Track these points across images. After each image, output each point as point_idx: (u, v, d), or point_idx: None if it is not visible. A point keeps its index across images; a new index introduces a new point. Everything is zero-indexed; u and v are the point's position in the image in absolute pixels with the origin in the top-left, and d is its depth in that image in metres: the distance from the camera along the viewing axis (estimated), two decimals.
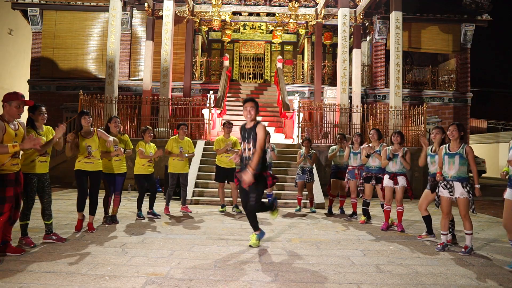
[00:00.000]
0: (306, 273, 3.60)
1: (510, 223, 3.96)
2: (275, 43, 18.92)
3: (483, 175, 21.23)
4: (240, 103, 14.85)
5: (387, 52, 13.65)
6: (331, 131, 11.85)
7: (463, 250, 4.45)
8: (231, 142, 7.09)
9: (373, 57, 15.41)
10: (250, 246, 4.49)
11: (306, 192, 7.76)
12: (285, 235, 5.28)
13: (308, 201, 7.74)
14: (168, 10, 12.43)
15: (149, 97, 12.70)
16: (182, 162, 6.72)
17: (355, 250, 4.51)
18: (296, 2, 14.70)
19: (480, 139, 23.77)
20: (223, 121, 7.67)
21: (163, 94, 12.17)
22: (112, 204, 5.69)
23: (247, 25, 19.23)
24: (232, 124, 7.37)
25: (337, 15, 13.39)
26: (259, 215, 6.82)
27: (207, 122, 11.38)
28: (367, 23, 15.49)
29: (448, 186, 4.48)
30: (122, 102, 11.79)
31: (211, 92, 12.30)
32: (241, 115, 13.71)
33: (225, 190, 7.41)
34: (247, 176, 4.13)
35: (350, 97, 13.30)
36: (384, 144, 6.11)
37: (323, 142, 11.72)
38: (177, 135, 6.83)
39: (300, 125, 11.19)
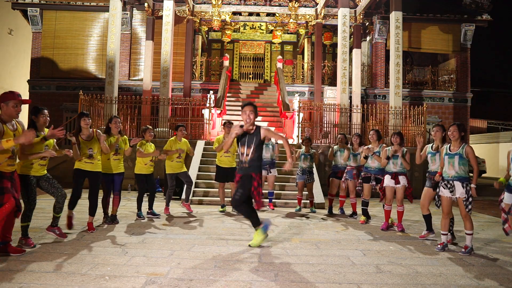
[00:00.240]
0: (306, 273, 3.60)
1: None
2: (275, 43, 18.92)
3: (483, 175, 21.23)
4: (240, 103, 14.84)
5: (387, 52, 13.65)
6: (331, 131, 11.85)
7: (463, 250, 4.45)
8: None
9: (373, 57, 15.41)
10: (250, 245, 4.44)
11: (306, 192, 7.77)
12: (285, 235, 5.28)
13: (308, 201, 7.74)
14: (168, 10, 12.43)
15: (149, 97, 12.70)
16: (179, 163, 6.73)
17: (355, 250, 4.51)
18: (296, 2, 14.71)
19: (480, 139, 23.77)
20: (223, 121, 7.68)
21: (163, 94, 12.17)
22: (111, 204, 5.69)
23: (247, 25, 19.23)
24: (232, 124, 7.36)
25: (337, 15, 13.39)
26: (259, 215, 6.83)
27: (207, 122, 11.38)
28: (367, 23, 15.49)
29: (449, 186, 4.48)
30: (122, 102, 11.80)
31: (211, 92, 12.31)
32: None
33: (225, 190, 7.41)
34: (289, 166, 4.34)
35: (350, 97, 13.31)
36: (384, 145, 6.11)
37: (323, 142, 11.72)
38: (175, 136, 6.84)
39: (300, 125, 11.20)
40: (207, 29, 17.57)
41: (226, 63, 15.66)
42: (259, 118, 13.45)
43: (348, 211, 7.25)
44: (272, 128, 12.78)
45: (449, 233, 4.87)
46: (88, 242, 4.49)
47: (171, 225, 5.72)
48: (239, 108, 4.46)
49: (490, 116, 27.12)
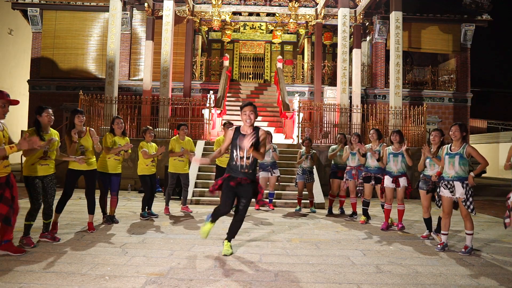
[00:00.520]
0: (306, 273, 3.60)
1: None
2: (275, 43, 18.92)
3: (483, 175, 21.22)
4: (240, 103, 14.83)
5: (387, 52, 13.65)
6: (331, 131, 11.86)
7: (463, 250, 4.45)
8: None
9: (373, 57, 15.41)
10: (225, 255, 4.08)
11: (306, 192, 7.77)
12: (285, 235, 5.28)
13: (308, 201, 7.74)
14: (168, 10, 12.43)
15: (149, 97, 12.70)
16: (183, 162, 6.72)
17: (355, 250, 4.51)
18: (296, 2, 14.71)
19: (480, 139, 23.74)
20: (223, 121, 7.67)
21: (163, 94, 12.17)
22: (109, 204, 5.69)
23: (247, 25, 19.23)
24: (232, 124, 7.36)
25: (337, 15, 13.39)
26: (259, 215, 6.84)
27: (207, 122, 11.38)
28: (367, 23, 15.49)
29: (449, 186, 4.47)
30: (122, 102, 11.80)
31: (211, 92, 12.30)
32: None
33: None
34: (248, 140, 3.83)
35: (350, 97, 13.31)
36: (384, 144, 6.10)
37: (323, 142, 11.72)
38: (177, 135, 6.83)
39: (300, 125, 11.19)
40: (207, 29, 17.57)
41: (226, 63, 15.66)
42: (259, 118, 13.46)
43: (348, 211, 7.25)
44: (272, 129, 12.80)
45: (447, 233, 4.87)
46: (88, 242, 4.49)
47: (171, 225, 5.72)
48: (239, 108, 4.25)
49: (490, 116, 27.11)
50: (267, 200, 7.67)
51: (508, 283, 3.46)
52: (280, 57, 16.50)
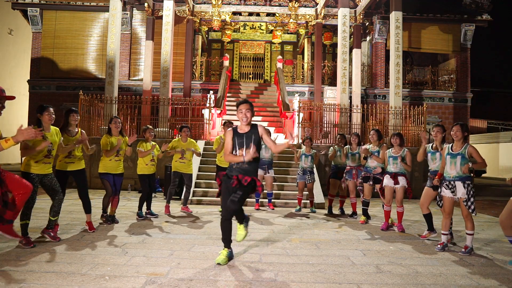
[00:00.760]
0: (306, 273, 3.60)
1: (507, 221, 3.98)
2: (275, 43, 18.92)
3: (483, 175, 21.23)
4: None
5: (387, 52, 13.65)
6: (331, 131, 11.85)
7: (463, 250, 4.45)
8: None
9: (373, 57, 15.41)
10: (219, 263, 3.78)
11: (306, 192, 7.77)
12: (285, 235, 5.28)
13: (308, 201, 7.75)
14: (168, 10, 12.43)
15: (149, 97, 12.70)
16: (185, 164, 6.72)
17: (355, 250, 4.51)
18: (296, 2, 14.71)
19: (480, 139, 23.76)
20: (223, 121, 7.67)
21: (163, 94, 12.17)
22: (110, 204, 5.69)
23: (247, 25, 19.24)
24: (232, 123, 7.36)
25: (337, 15, 13.39)
26: (259, 215, 6.84)
27: (207, 122, 11.38)
28: (367, 23, 15.49)
29: (450, 186, 4.47)
30: (122, 102, 11.80)
31: (211, 92, 12.31)
32: None
33: None
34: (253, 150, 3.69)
35: (350, 97, 13.31)
36: (384, 144, 6.11)
37: (323, 142, 11.72)
38: (178, 137, 6.83)
39: (300, 125, 11.19)
40: (207, 29, 17.58)
41: (226, 63, 15.66)
42: (259, 118, 13.46)
43: (348, 211, 7.25)
44: (272, 129, 12.80)
45: (448, 233, 4.87)
46: (88, 242, 4.49)
47: (171, 225, 5.72)
48: (235, 106, 4.13)
49: (490, 116, 27.13)
50: (266, 200, 7.68)
51: (508, 283, 3.46)
52: (280, 57, 16.50)
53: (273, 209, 7.59)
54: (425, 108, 11.42)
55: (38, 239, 4.47)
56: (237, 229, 4.01)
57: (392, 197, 5.75)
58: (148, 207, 6.34)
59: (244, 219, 4.03)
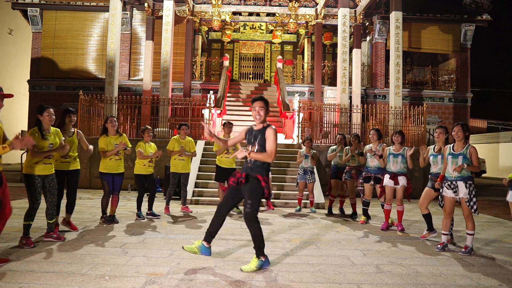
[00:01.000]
0: (306, 273, 3.60)
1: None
2: (275, 43, 18.93)
3: (483, 175, 21.23)
4: (240, 103, 14.86)
5: (387, 52, 13.65)
6: (331, 131, 11.86)
7: (463, 250, 4.45)
8: None
9: (373, 57, 15.42)
10: (241, 270, 3.60)
11: (306, 192, 7.77)
12: (285, 235, 5.28)
13: (308, 201, 7.74)
14: (168, 10, 12.44)
15: (149, 97, 12.70)
16: (184, 162, 6.72)
17: (355, 250, 4.51)
18: (296, 2, 14.71)
19: (480, 139, 23.76)
20: (223, 121, 7.67)
21: (163, 94, 12.18)
22: (110, 204, 5.69)
23: (247, 25, 19.24)
24: (232, 124, 7.37)
25: (337, 15, 13.40)
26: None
27: (207, 122, 11.38)
28: (367, 23, 15.49)
29: (452, 186, 4.46)
30: (122, 102, 11.80)
31: (211, 92, 12.31)
32: (241, 115, 13.74)
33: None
34: (241, 153, 3.62)
35: (350, 97, 13.31)
36: (384, 144, 6.11)
37: (323, 142, 11.73)
38: (178, 135, 6.84)
39: (300, 125, 11.19)
40: (207, 29, 17.58)
41: (226, 63, 15.67)
42: None
43: (348, 211, 7.25)
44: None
45: (449, 233, 4.87)
46: (88, 242, 4.49)
47: (171, 225, 5.72)
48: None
49: (490, 116, 27.13)
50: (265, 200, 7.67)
51: (509, 283, 3.46)
52: (280, 57, 16.51)
53: (273, 209, 7.59)
54: (425, 108, 11.42)
55: (38, 239, 4.47)
56: (251, 261, 3.68)
57: (393, 196, 5.75)
58: (150, 208, 6.32)
59: (259, 249, 3.64)
